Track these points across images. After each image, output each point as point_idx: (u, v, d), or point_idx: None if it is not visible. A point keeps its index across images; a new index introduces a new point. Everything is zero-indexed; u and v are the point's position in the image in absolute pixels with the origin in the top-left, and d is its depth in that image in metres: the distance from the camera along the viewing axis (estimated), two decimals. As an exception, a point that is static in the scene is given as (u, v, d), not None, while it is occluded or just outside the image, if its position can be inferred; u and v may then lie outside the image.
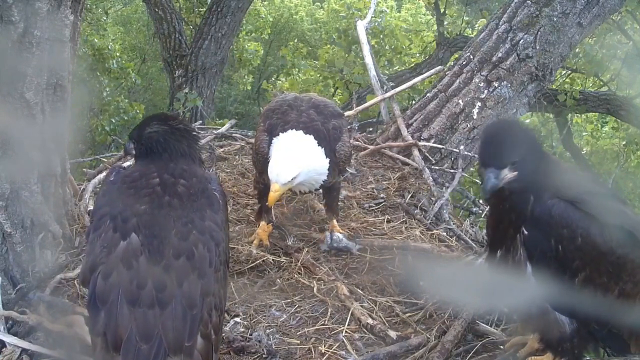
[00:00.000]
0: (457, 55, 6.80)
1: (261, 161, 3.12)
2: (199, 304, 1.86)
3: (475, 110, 4.76)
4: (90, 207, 3.39)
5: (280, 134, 3.07)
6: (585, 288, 2.04)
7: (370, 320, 2.70)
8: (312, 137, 3.05)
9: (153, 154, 2.21)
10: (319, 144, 3.05)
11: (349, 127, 5.31)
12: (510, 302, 2.30)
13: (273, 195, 2.89)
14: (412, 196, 4.05)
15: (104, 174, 3.84)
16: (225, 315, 2.51)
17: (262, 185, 3.25)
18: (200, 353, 1.85)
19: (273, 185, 2.88)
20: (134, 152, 2.33)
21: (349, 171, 3.61)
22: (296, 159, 2.93)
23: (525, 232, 2.06)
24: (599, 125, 10.59)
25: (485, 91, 4.77)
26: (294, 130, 3.06)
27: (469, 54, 4.93)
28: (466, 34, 9.33)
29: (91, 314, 1.87)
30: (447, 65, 6.92)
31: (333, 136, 3.14)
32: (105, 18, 11.96)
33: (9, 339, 2.47)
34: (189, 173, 2.16)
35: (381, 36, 9.47)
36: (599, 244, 2.01)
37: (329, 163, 3.08)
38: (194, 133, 2.37)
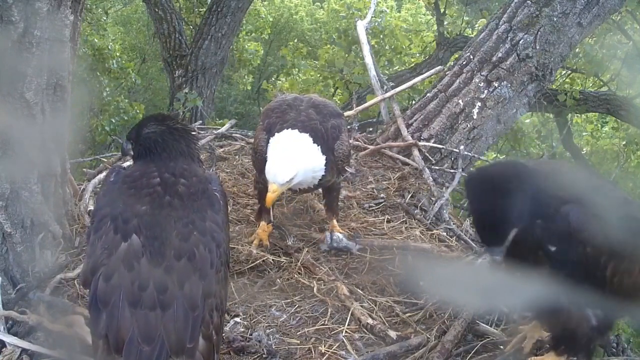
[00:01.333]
0: (457, 55, 6.80)
1: (260, 160, 3.12)
2: (200, 306, 1.86)
3: (475, 110, 4.76)
4: (91, 207, 3.39)
5: (276, 133, 3.07)
6: (614, 278, 2.10)
7: (370, 320, 2.70)
8: (307, 135, 3.04)
9: (152, 154, 2.21)
10: (315, 141, 3.05)
11: (348, 127, 5.33)
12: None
13: (271, 196, 2.88)
14: (412, 196, 4.05)
15: (104, 174, 3.84)
16: (226, 315, 2.51)
17: (262, 185, 3.25)
18: (202, 354, 1.85)
19: (271, 186, 2.87)
20: (131, 152, 2.33)
21: (349, 171, 3.62)
22: (292, 158, 2.92)
23: (552, 249, 2.08)
24: (599, 125, 10.58)
25: (485, 91, 4.77)
26: (290, 129, 3.06)
27: (469, 54, 4.92)
28: (466, 34, 9.33)
29: (93, 316, 1.87)
30: (447, 65, 6.92)
31: (331, 135, 3.14)
32: (105, 18, 11.95)
33: (9, 339, 2.47)
34: (189, 172, 2.16)
35: (381, 36, 9.47)
36: (617, 235, 2.05)
37: (326, 160, 3.08)
38: (192, 132, 2.37)
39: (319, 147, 3.05)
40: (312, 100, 3.35)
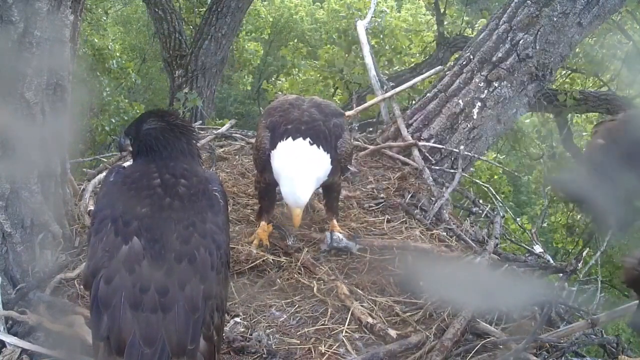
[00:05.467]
0: (457, 55, 6.80)
1: (262, 158, 3.14)
2: (201, 307, 1.86)
3: (475, 110, 4.76)
4: (91, 207, 3.38)
5: (278, 144, 3.04)
6: None
7: (370, 320, 2.70)
8: (309, 139, 3.04)
9: (153, 152, 2.20)
10: (319, 144, 3.05)
11: (349, 127, 5.32)
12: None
13: (297, 217, 2.95)
14: (412, 196, 4.05)
15: (104, 173, 3.83)
16: (226, 315, 2.51)
17: (264, 185, 3.26)
18: (202, 355, 1.86)
19: (294, 210, 2.93)
20: (130, 148, 2.32)
21: (350, 169, 3.63)
22: (303, 178, 2.94)
23: None
24: (599, 125, 10.57)
25: (485, 91, 4.77)
26: (290, 139, 3.04)
27: (469, 54, 4.92)
28: (466, 34, 9.32)
29: (94, 318, 1.87)
30: (447, 65, 6.92)
31: (334, 133, 3.16)
32: (105, 18, 11.97)
33: (9, 339, 2.47)
34: (189, 172, 2.15)
35: (381, 36, 9.48)
36: None
37: (331, 158, 3.09)
38: (192, 129, 2.35)
39: (323, 148, 3.06)
40: (314, 100, 3.37)
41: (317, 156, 3.04)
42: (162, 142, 2.19)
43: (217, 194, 2.14)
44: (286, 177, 2.96)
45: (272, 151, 3.08)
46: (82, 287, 2.74)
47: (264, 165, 3.11)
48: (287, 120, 3.13)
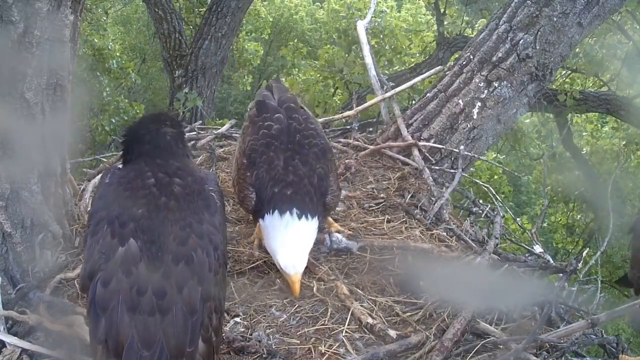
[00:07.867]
0: (457, 55, 6.80)
1: (246, 209, 3.16)
2: (199, 309, 1.86)
3: (475, 110, 4.75)
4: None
5: (266, 215, 2.97)
6: None
7: (370, 320, 2.69)
8: (295, 214, 2.95)
9: (140, 153, 2.22)
10: (305, 213, 2.97)
11: (348, 127, 5.33)
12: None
13: (295, 283, 2.87)
14: (412, 196, 4.05)
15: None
16: (225, 315, 2.51)
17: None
18: (201, 357, 1.85)
19: (292, 276, 2.88)
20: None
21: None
22: (295, 249, 2.91)
23: None
24: (599, 125, 10.61)
25: (485, 91, 4.77)
26: (277, 213, 2.94)
27: (469, 54, 4.92)
28: (466, 34, 9.34)
29: (91, 321, 1.87)
30: (447, 65, 6.92)
31: (320, 190, 3.08)
32: (105, 18, 11.98)
33: (9, 339, 2.47)
34: (183, 172, 2.15)
35: (381, 36, 9.48)
36: None
37: (318, 219, 3.04)
38: (182, 130, 2.38)
39: (310, 215, 2.98)
40: (297, 137, 3.16)
41: (305, 227, 2.97)
42: (147, 141, 2.22)
43: (213, 194, 2.14)
44: (279, 251, 2.92)
45: (260, 219, 3.03)
46: (81, 292, 2.73)
47: (247, 209, 3.15)
48: (272, 180, 3.01)
